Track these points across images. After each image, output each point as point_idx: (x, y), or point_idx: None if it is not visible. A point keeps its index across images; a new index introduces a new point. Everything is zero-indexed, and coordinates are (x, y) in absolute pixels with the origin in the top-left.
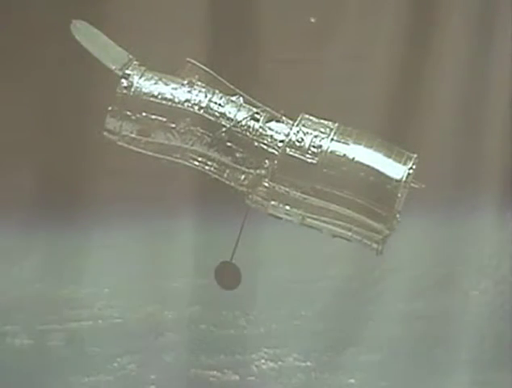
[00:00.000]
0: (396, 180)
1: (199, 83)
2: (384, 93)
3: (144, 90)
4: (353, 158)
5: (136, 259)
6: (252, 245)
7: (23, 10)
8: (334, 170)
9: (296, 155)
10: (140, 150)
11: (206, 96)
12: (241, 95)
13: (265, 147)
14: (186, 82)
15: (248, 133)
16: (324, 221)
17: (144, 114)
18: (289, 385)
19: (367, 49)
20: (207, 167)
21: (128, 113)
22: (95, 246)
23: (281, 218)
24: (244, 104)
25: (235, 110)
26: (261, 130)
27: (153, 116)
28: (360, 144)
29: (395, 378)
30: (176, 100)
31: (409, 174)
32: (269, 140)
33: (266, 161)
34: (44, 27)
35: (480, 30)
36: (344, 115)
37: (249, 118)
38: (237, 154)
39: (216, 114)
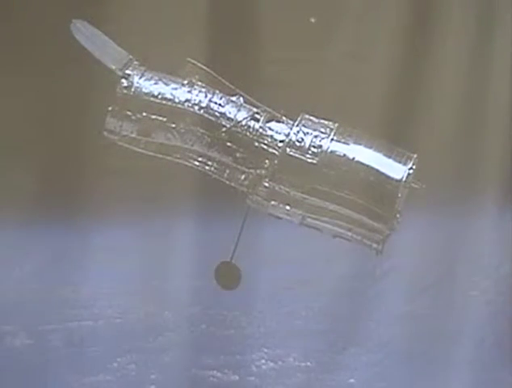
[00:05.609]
0: (396, 180)
1: (200, 83)
2: (384, 93)
3: (144, 90)
4: (353, 158)
5: (136, 259)
6: (252, 245)
7: (23, 10)
8: (334, 170)
9: (296, 155)
10: (140, 150)
11: (206, 96)
12: (241, 95)
13: (265, 147)
14: (186, 82)
15: (248, 133)
16: (324, 221)
17: (144, 114)
18: (289, 385)
19: (367, 49)
20: (207, 167)
21: (128, 113)
22: (95, 246)
23: (281, 218)
24: (244, 104)
25: (235, 110)
26: (261, 130)
27: (153, 116)
28: (360, 144)
29: (395, 378)
30: (176, 100)
31: (409, 174)
32: (269, 140)
33: (267, 161)
34: (44, 27)
35: (480, 30)
36: (344, 115)
37: (249, 118)
38: (237, 154)
39: (216, 114)
